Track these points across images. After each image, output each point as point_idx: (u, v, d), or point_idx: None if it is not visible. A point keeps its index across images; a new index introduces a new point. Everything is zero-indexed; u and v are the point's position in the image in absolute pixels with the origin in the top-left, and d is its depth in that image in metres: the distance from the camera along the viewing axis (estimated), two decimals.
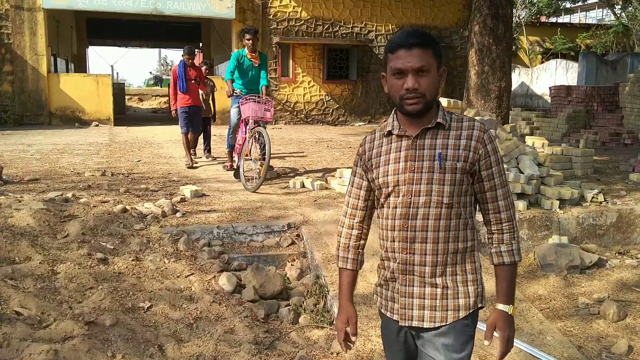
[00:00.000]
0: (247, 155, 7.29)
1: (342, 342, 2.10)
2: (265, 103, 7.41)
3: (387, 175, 1.94)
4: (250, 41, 7.71)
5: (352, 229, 2.12)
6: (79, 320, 3.47)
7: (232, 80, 7.75)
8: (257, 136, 7.27)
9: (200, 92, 9.43)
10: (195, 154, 9.70)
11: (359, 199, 2.09)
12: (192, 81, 8.80)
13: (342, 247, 2.13)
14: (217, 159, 9.75)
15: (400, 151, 1.94)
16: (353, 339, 2.08)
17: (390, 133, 1.99)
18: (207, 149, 10.05)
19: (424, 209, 1.90)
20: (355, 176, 2.11)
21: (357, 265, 2.13)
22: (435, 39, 1.93)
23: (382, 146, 2.00)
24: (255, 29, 7.97)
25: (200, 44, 26.25)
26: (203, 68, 10.13)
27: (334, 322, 2.12)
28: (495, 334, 1.98)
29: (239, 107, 7.67)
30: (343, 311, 2.10)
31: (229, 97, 7.78)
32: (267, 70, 8.16)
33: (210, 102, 10.32)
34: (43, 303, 3.59)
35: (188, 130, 8.91)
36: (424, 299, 1.94)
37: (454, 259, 1.94)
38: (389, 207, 1.96)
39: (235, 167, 8.00)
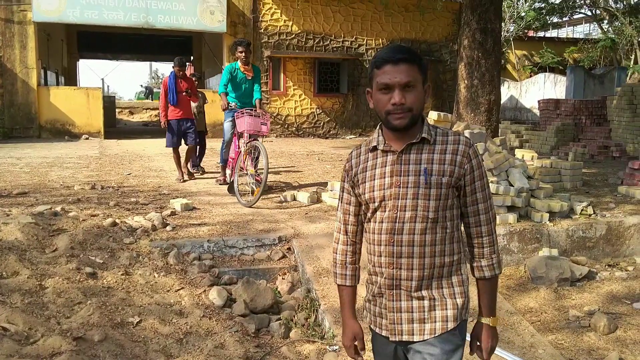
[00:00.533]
0: (241, 169, 7.27)
1: (353, 357, 2.14)
2: (261, 117, 7.37)
3: (374, 191, 1.96)
4: (243, 54, 7.68)
5: (347, 244, 2.13)
6: (67, 336, 3.43)
7: (226, 94, 7.68)
8: (252, 150, 7.26)
9: (193, 104, 9.32)
10: (203, 171, 9.75)
11: (349, 214, 2.10)
12: (184, 93, 8.60)
13: (339, 264, 2.14)
14: (207, 173, 9.66)
15: (385, 166, 1.96)
16: (362, 353, 2.12)
17: (375, 148, 2.01)
18: (199, 163, 9.94)
19: (410, 224, 1.92)
20: (343, 192, 2.12)
21: (356, 280, 2.15)
22: (420, 55, 1.95)
23: (367, 161, 2.01)
24: (248, 42, 7.93)
25: (192, 57, 26.30)
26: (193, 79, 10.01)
27: (341, 340, 2.14)
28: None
29: (232, 120, 7.62)
30: (348, 329, 2.12)
31: (223, 110, 7.69)
32: (260, 83, 8.17)
33: (203, 115, 10.27)
34: (30, 318, 3.55)
35: (175, 145, 8.66)
36: (412, 312, 1.96)
37: (441, 272, 1.96)
38: (376, 222, 1.98)
39: (228, 181, 7.96)
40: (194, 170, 9.61)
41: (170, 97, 8.51)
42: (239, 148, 7.52)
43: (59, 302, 3.86)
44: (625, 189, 7.79)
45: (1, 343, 3.17)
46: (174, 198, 6.96)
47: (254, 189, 6.99)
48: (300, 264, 5.12)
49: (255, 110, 7.50)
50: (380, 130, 2.01)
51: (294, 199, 7.23)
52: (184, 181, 8.56)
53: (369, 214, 2.01)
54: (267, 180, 8.36)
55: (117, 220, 5.47)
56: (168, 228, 5.54)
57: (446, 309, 1.96)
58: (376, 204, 1.96)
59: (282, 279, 5.02)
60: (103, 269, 4.49)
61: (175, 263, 4.86)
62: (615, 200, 7.28)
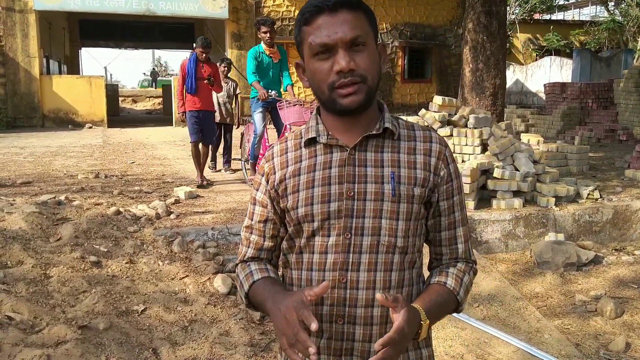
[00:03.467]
0: None
1: (301, 342, 1.19)
2: (307, 105, 6.60)
3: (312, 204, 1.34)
4: (268, 34, 6.64)
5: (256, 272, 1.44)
6: (72, 325, 3.43)
7: (259, 81, 6.66)
8: None
9: (215, 95, 7.89)
10: (215, 167, 8.65)
11: (263, 237, 1.45)
12: (205, 81, 7.07)
13: (244, 279, 1.43)
14: (235, 171, 8.59)
15: (330, 168, 1.35)
16: (314, 326, 1.16)
17: (313, 142, 1.39)
18: (228, 160, 8.73)
19: (369, 256, 1.32)
20: (256, 205, 1.45)
21: (270, 272, 1.44)
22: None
23: (301, 161, 1.39)
24: (273, 20, 6.91)
25: (194, 45, 26.19)
26: (221, 66, 8.47)
27: (278, 338, 1.25)
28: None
29: (263, 111, 6.83)
30: (280, 305, 1.25)
31: (264, 100, 6.64)
32: (288, 66, 7.08)
33: (234, 105, 8.80)
34: (35, 307, 3.55)
35: (199, 139, 7.22)
36: None
37: None
38: (314, 253, 1.35)
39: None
40: (225, 168, 8.62)
41: (188, 84, 7.06)
42: (269, 143, 6.92)
43: (63, 290, 3.86)
44: (632, 173, 7.73)
45: (6, 332, 3.18)
46: (177, 186, 6.95)
47: None
48: None
49: (294, 99, 6.72)
50: (317, 117, 1.41)
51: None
52: (201, 185, 7.10)
53: (300, 241, 1.38)
54: None
55: (121, 209, 5.46)
56: (172, 216, 5.53)
57: None
58: (315, 224, 1.34)
59: None
60: (107, 257, 4.49)
61: (179, 251, 4.85)
62: (622, 184, 7.22)
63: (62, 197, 5.68)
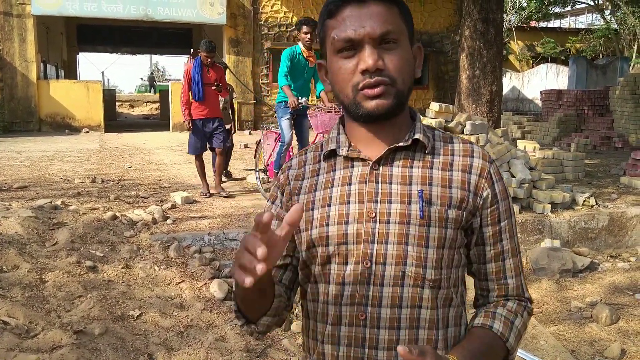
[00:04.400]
0: None
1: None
2: (336, 112, 6.13)
3: (327, 225, 1.16)
4: (309, 35, 6.21)
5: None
6: (67, 330, 3.42)
7: (290, 86, 6.18)
8: None
9: (221, 99, 7.47)
10: (230, 175, 8.24)
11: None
12: (213, 87, 6.74)
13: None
14: (237, 181, 8.22)
15: (350, 184, 1.17)
16: (266, 216, 0.90)
17: (333, 154, 1.22)
18: (225, 166, 8.30)
19: (393, 289, 1.12)
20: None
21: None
22: None
23: (318, 175, 1.22)
24: (315, 21, 6.07)
25: (192, 50, 26.20)
26: None
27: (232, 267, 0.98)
28: None
29: (290, 118, 6.33)
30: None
31: (294, 108, 6.09)
32: None
33: (229, 110, 8.51)
34: (31, 312, 3.54)
35: (199, 151, 6.89)
36: None
37: None
38: (329, 283, 1.16)
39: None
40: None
41: (195, 91, 6.67)
42: (293, 153, 6.58)
43: (59, 295, 3.85)
44: (627, 180, 7.76)
45: (2, 337, 3.17)
46: (174, 191, 6.95)
47: None
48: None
49: (324, 105, 6.27)
50: (340, 127, 1.25)
51: None
52: (210, 196, 6.82)
53: (314, 268, 1.19)
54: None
55: (118, 214, 5.45)
56: (168, 221, 5.53)
57: None
58: (331, 249, 1.15)
59: None
60: (103, 262, 4.48)
61: (175, 256, 4.85)
62: (617, 191, 7.25)
63: (59, 202, 5.67)
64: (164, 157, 10.67)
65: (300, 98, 6.17)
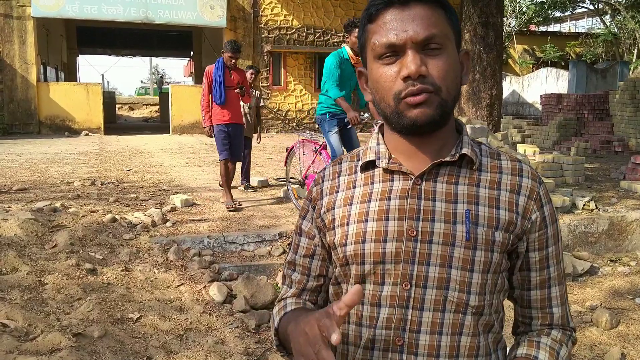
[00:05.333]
0: None
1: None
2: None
3: (363, 242, 1.09)
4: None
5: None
6: (66, 332, 3.42)
7: (344, 98, 5.47)
8: None
9: (242, 104, 7.05)
10: (248, 185, 7.74)
11: (308, 275, 1.22)
12: (236, 90, 6.35)
13: (277, 313, 1.25)
14: (259, 190, 7.72)
15: (390, 199, 1.09)
16: (335, 338, 0.87)
17: (371, 165, 1.14)
18: (246, 177, 7.78)
19: (434, 314, 1.06)
20: (302, 236, 1.22)
21: (308, 305, 1.23)
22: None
23: (355, 187, 1.14)
24: None
25: (192, 53, 26.23)
26: (248, 73, 7.62)
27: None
28: None
29: (337, 131, 5.69)
30: (300, 322, 0.99)
31: (356, 124, 5.44)
32: None
33: (255, 118, 8.08)
34: (30, 315, 3.53)
35: (229, 156, 6.41)
36: None
37: None
38: (364, 304, 1.10)
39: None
40: (244, 185, 7.71)
41: (217, 94, 6.25)
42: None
43: (58, 298, 3.84)
44: (627, 184, 7.76)
45: (1, 339, 3.16)
46: (174, 194, 6.94)
47: None
48: None
49: (366, 115, 5.71)
50: (379, 137, 1.16)
51: (297, 196, 7.21)
52: (235, 210, 6.23)
53: (347, 287, 1.14)
54: (267, 177, 8.31)
55: (117, 216, 5.45)
56: (168, 224, 5.52)
57: None
58: (366, 268, 1.08)
59: (283, 274, 5.00)
60: (103, 265, 4.47)
61: (175, 259, 4.84)
62: (617, 195, 7.25)
63: (58, 204, 5.66)
64: (164, 160, 10.67)
65: (362, 114, 5.61)
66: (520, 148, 9.14)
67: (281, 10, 17.19)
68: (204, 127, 6.54)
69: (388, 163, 1.11)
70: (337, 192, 1.15)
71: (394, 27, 1.02)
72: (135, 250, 4.83)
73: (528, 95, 21.19)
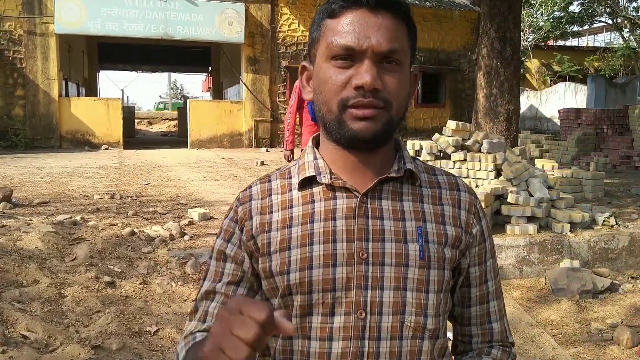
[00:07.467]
0: None
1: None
2: None
3: (310, 268, 0.97)
4: None
5: None
6: (85, 344, 3.45)
7: None
8: None
9: None
10: None
11: None
12: None
13: (182, 348, 1.01)
14: None
15: (335, 219, 1.00)
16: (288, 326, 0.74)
17: (308, 182, 1.04)
18: None
19: (392, 342, 0.97)
20: (226, 261, 1.05)
21: None
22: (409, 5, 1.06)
23: (291, 207, 1.03)
24: None
25: (210, 68, 26.52)
26: None
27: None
28: None
29: None
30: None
31: None
32: None
33: None
34: (50, 327, 3.57)
35: None
36: None
37: None
38: (310, 339, 0.98)
39: None
40: None
41: (311, 110, 5.40)
42: None
43: (77, 310, 3.88)
44: None
45: (21, 351, 3.20)
46: (191, 208, 6.99)
47: None
48: None
49: None
50: (315, 151, 1.07)
51: None
52: None
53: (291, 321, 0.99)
54: None
55: (136, 230, 5.50)
56: (186, 237, 5.56)
57: None
58: (313, 298, 0.97)
59: None
60: (121, 278, 4.51)
61: (192, 272, 4.87)
62: (638, 211, 7.15)
63: (78, 217, 5.74)
64: (182, 174, 10.76)
65: None
66: (539, 163, 9.07)
67: (298, 26, 17.34)
68: (285, 150, 5.77)
69: (331, 179, 1.01)
70: (271, 212, 1.03)
71: (356, 30, 0.95)
72: (153, 263, 4.87)
73: (546, 110, 21.05)
